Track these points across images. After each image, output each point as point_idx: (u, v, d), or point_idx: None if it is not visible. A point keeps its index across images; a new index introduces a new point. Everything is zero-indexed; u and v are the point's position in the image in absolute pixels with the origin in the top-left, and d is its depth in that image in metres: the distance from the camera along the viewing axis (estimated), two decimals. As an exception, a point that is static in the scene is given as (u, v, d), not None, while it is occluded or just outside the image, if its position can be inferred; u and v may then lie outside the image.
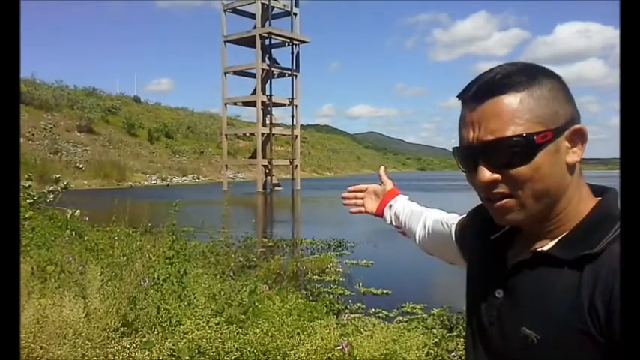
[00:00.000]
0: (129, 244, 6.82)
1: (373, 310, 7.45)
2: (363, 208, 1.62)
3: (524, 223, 0.91)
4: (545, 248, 0.88)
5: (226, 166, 45.47)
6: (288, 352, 3.74)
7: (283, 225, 21.22)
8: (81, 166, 45.33)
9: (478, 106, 0.87)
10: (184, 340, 3.71)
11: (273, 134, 42.64)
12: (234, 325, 4.12)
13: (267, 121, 41.68)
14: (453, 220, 1.26)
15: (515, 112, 0.84)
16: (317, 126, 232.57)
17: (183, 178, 54.73)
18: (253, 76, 42.46)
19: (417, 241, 1.42)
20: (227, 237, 10.49)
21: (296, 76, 43.21)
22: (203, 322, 3.99)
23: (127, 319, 4.02)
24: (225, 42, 43.12)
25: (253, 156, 43.54)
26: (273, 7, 42.32)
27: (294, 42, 42.99)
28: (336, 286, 9.09)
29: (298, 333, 4.12)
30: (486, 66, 0.91)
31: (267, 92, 41.71)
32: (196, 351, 3.62)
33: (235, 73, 44.53)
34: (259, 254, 11.06)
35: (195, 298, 4.62)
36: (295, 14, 43.56)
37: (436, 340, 4.75)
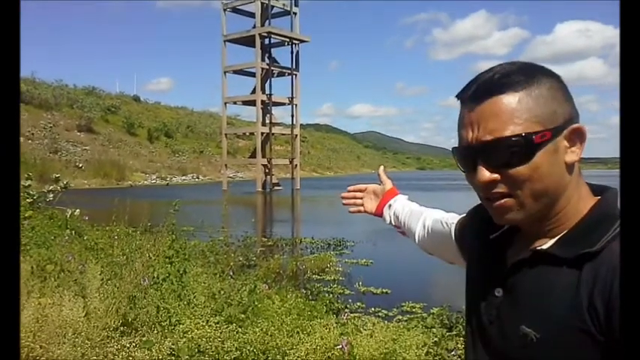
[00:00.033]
0: (128, 243, 6.82)
1: (373, 309, 7.45)
2: (362, 208, 1.62)
3: (523, 223, 0.91)
4: (544, 247, 0.88)
5: (226, 165, 45.46)
6: (287, 352, 3.74)
7: (283, 224, 21.22)
8: (80, 165, 45.32)
9: (477, 106, 0.87)
10: (184, 340, 3.71)
11: (273, 133, 42.63)
12: (234, 324, 4.13)
13: (267, 121, 41.67)
14: (452, 220, 1.26)
15: (514, 111, 0.84)
16: (317, 125, 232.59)
17: (183, 178, 54.72)
18: (253, 75, 42.45)
19: (417, 240, 1.42)
20: (227, 236, 10.48)
21: (296, 75, 43.20)
22: (203, 321, 3.99)
23: (127, 319, 4.02)
24: (224, 41, 43.09)
25: (253, 155, 43.54)
26: (272, 7, 42.32)
27: (294, 41, 42.98)
28: (335, 285, 9.09)
29: (298, 332, 4.12)
30: (486, 65, 0.91)
31: (267, 91, 41.70)
32: (196, 350, 3.62)
33: (235, 72, 44.52)
34: (259, 253, 11.06)
35: (194, 297, 4.62)
36: (295, 13, 43.55)
37: (436, 339, 4.75)
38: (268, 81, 41.83)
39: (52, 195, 9.68)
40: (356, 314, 6.32)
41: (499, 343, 0.91)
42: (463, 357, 1.10)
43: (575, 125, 0.86)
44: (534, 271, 0.88)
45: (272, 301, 5.06)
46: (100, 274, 4.53)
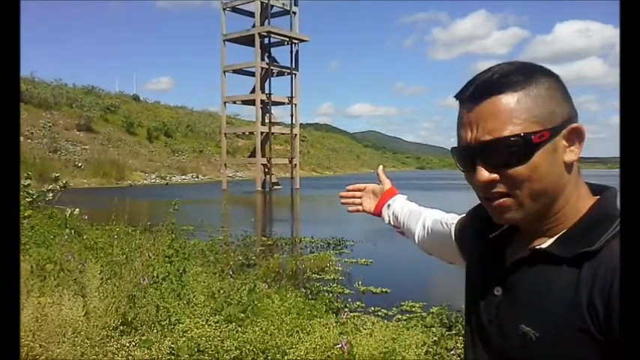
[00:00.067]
0: (128, 242, 6.82)
1: (372, 308, 7.46)
2: (360, 207, 1.62)
3: (522, 222, 0.91)
4: (543, 246, 0.88)
5: (225, 164, 45.44)
6: (287, 351, 3.74)
7: (282, 224, 21.22)
8: (80, 164, 45.29)
9: (475, 107, 0.87)
10: (183, 339, 3.71)
11: (273, 133, 42.62)
12: (234, 323, 4.13)
13: (267, 120, 41.66)
14: (452, 220, 1.26)
15: (513, 111, 0.84)
16: (316, 125, 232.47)
17: (183, 177, 54.70)
18: (252, 74, 42.44)
19: (417, 241, 1.42)
20: (226, 236, 10.48)
21: (295, 74, 43.19)
22: (202, 320, 3.99)
23: (127, 318, 4.02)
24: (224, 41, 43.07)
25: (252, 155, 43.53)
26: (272, 6, 42.30)
27: (294, 41, 42.97)
28: (335, 284, 9.10)
29: (297, 331, 4.12)
30: (486, 65, 0.91)
31: (267, 91, 41.69)
32: (195, 350, 3.62)
33: (234, 71, 44.50)
34: (258, 253, 11.06)
35: (194, 296, 4.62)
36: (295, 13, 43.54)
37: (435, 338, 4.75)
38: (268, 80, 41.82)
39: (51, 194, 9.68)
40: (355, 313, 6.33)
41: (498, 342, 0.91)
42: (462, 356, 1.10)
43: (573, 125, 0.87)
44: (533, 270, 0.88)
45: (272, 301, 5.06)
46: (100, 274, 4.54)
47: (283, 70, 43.39)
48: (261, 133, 41.39)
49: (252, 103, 42.58)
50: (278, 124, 44.57)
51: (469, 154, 0.89)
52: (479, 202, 0.96)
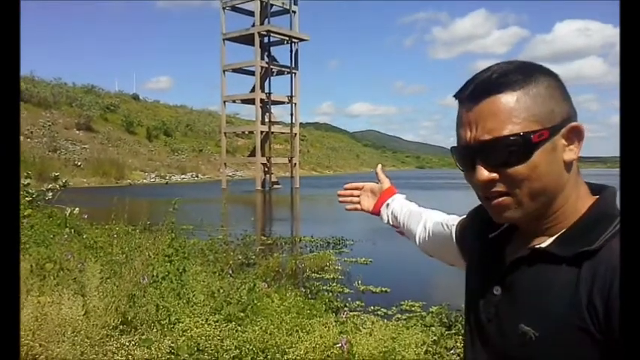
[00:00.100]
0: (128, 242, 6.83)
1: (372, 307, 7.47)
2: (358, 206, 1.61)
3: (521, 221, 0.91)
4: (543, 245, 0.89)
5: (225, 164, 45.43)
6: (287, 350, 3.74)
7: (282, 223, 21.22)
8: (79, 163, 45.25)
9: (475, 106, 0.87)
10: (183, 338, 3.71)
11: (272, 132, 42.61)
12: (233, 322, 4.13)
13: (266, 119, 41.65)
14: (452, 222, 1.26)
15: (512, 111, 0.84)
16: (316, 124, 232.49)
17: (182, 176, 54.70)
18: (252, 73, 42.42)
19: (418, 243, 1.42)
20: (226, 235, 10.49)
21: (295, 73, 43.18)
22: (202, 319, 3.99)
23: (126, 317, 4.02)
24: (224, 40, 43.04)
25: (252, 154, 43.52)
26: (272, 5, 42.29)
27: (293, 40, 42.95)
28: (335, 284, 9.10)
29: (297, 331, 4.13)
30: (485, 64, 0.91)
31: (266, 90, 41.68)
32: (195, 349, 3.62)
33: (234, 70, 44.47)
34: (258, 252, 11.07)
35: (194, 296, 4.63)
36: (294, 12, 43.52)
37: (435, 337, 4.76)
38: (267, 79, 41.81)
39: (51, 193, 9.66)
40: (355, 313, 6.33)
41: (498, 341, 0.91)
42: (462, 355, 1.10)
43: (573, 124, 0.87)
44: (533, 270, 0.88)
45: (271, 300, 5.07)
46: (100, 273, 4.54)
47: (283, 69, 43.38)
48: (261, 132, 41.38)
49: (251, 102, 42.56)
50: (278, 123, 44.56)
51: (469, 154, 0.89)
52: (479, 201, 0.96)
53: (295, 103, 43.27)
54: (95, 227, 9.46)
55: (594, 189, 0.92)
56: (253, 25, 41.59)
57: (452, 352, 4.48)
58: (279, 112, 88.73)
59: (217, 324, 3.98)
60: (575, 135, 0.87)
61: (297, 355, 3.68)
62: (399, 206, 1.51)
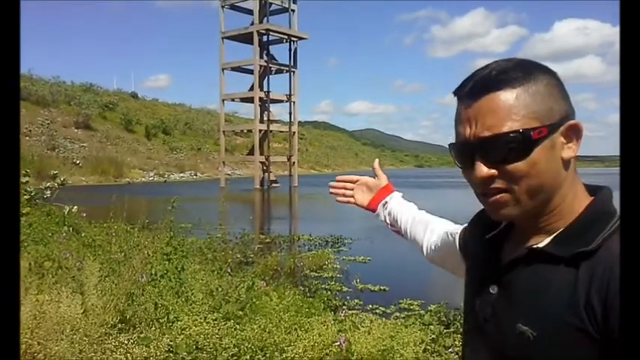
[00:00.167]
0: (126, 240, 6.82)
1: (370, 306, 7.47)
2: (352, 199, 1.57)
3: (518, 219, 0.91)
4: (540, 245, 0.88)
5: (224, 162, 45.42)
6: (285, 348, 3.75)
7: (281, 221, 21.23)
8: (78, 162, 45.24)
9: (474, 103, 0.87)
10: (182, 336, 3.72)
11: (271, 131, 42.60)
12: (232, 321, 4.13)
13: (265, 118, 41.63)
14: (457, 231, 1.25)
15: (512, 108, 0.84)
16: (315, 122, 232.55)
17: (181, 175, 54.68)
18: (251, 72, 42.41)
19: (425, 253, 1.39)
20: (224, 233, 10.49)
21: (294, 72, 43.16)
22: (201, 318, 3.99)
23: (125, 316, 4.02)
24: (222, 38, 43.01)
25: (251, 152, 43.51)
26: (270, 4, 42.26)
27: (292, 38, 42.93)
28: (333, 282, 9.10)
29: (296, 329, 4.13)
30: (484, 62, 0.91)
31: (265, 89, 41.67)
32: (194, 347, 3.63)
33: (233, 69, 44.46)
34: (257, 251, 11.07)
35: (192, 294, 4.63)
36: (293, 10, 43.51)
37: (433, 336, 4.77)
38: (266, 78, 41.80)
39: (49, 192, 9.65)
40: (354, 311, 6.33)
41: (495, 340, 0.91)
42: (461, 354, 1.10)
43: (571, 122, 0.87)
44: (530, 269, 0.88)
45: (270, 298, 5.07)
46: (98, 271, 4.54)
47: (282, 67, 43.37)
48: (260, 130, 41.37)
49: (250, 100, 42.54)
50: (276, 121, 44.55)
51: (468, 150, 0.89)
52: (477, 199, 0.96)
53: (294, 102, 43.26)
54: (94, 225, 9.46)
55: (590, 189, 0.92)
56: (252, 24, 41.56)
57: (450, 350, 4.49)
58: (277, 111, 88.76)
59: (216, 322, 3.99)
60: (574, 133, 0.87)
61: (296, 354, 3.68)
62: (398, 207, 1.49)
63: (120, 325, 3.91)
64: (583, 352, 0.79)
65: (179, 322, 3.93)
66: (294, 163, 43.70)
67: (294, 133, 43.87)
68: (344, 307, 6.67)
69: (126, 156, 51.67)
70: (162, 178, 50.20)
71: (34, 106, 49.21)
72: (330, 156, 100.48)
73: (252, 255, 10.43)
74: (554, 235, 0.89)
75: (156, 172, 52.25)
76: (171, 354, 3.52)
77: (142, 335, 3.73)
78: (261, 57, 41.31)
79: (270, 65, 41.99)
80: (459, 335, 4.79)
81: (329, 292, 7.88)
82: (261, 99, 41.25)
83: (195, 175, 56.52)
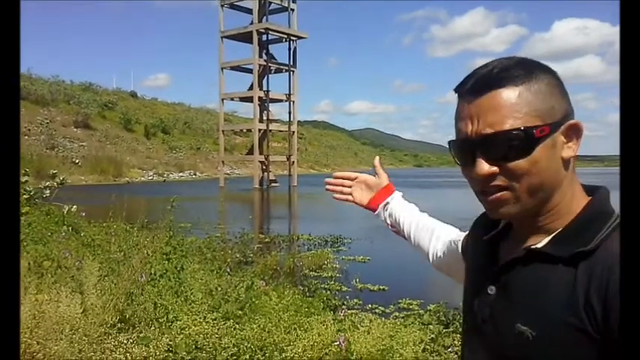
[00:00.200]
0: (126, 239, 6.83)
1: (370, 306, 7.47)
2: (350, 197, 1.53)
3: (517, 217, 0.91)
4: (539, 246, 0.88)
5: (223, 162, 45.41)
6: (285, 348, 3.75)
7: (280, 221, 21.22)
8: (77, 161, 45.22)
9: (476, 100, 0.87)
10: (181, 336, 3.72)
11: (270, 130, 42.60)
12: (231, 320, 4.13)
13: (264, 117, 41.63)
14: (460, 238, 1.25)
15: (514, 105, 0.84)
16: (314, 122, 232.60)
17: (180, 174, 54.68)
18: (250, 71, 42.41)
19: (431, 261, 1.37)
20: (224, 233, 10.49)
21: (293, 71, 43.16)
22: (200, 317, 3.99)
23: (124, 315, 4.02)
24: (222, 37, 42.99)
25: (250, 152, 43.51)
26: (270, 3, 42.26)
27: (292, 38, 42.92)
28: (332, 282, 9.10)
29: (295, 329, 4.13)
30: (484, 62, 0.91)
31: (265, 88, 41.67)
32: (193, 347, 3.63)
33: (232, 68, 44.45)
34: (256, 250, 11.07)
35: (192, 294, 4.63)
36: (292, 10, 43.50)
37: (432, 336, 4.77)
38: (266, 77, 41.80)
39: (48, 191, 9.65)
40: (353, 311, 6.33)
41: (494, 340, 0.91)
42: (460, 354, 1.10)
43: (572, 121, 0.87)
44: (528, 269, 0.88)
45: (269, 298, 5.07)
46: (98, 271, 4.54)
47: (281, 67, 43.37)
48: (259, 130, 41.36)
49: (250, 100, 42.55)
50: (276, 121, 44.55)
51: (469, 147, 0.88)
52: (476, 200, 0.96)
53: (293, 101, 43.26)
54: (93, 225, 9.46)
55: (587, 189, 0.92)
56: (252, 23, 41.56)
57: (449, 350, 4.49)
58: (277, 110, 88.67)
59: (215, 322, 3.98)
60: (574, 132, 0.87)
61: (295, 353, 3.68)
62: (399, 209, 1.46)
63: (119, 324, 3.91)
64: (582, 352, 0.79)
65: (178, 322, 3.93)
66: (293, 162, 43.70)
67: (294, 132, 43.86)
68: (343, 306, 6.67)
69: (125, 155, 51.66)
70: (162, 178, 50.19)
71: (33, 105, 49.17)
72: (330, 155, 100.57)
73: (251, 254, 10.43)
74: (553, 235, 0.89)
75: (155, 171, 52.24)
76: (170, 353, 3.52)
77: (141, 335, 3.73)
78: (260, 56, 41.30)
79: (270, 64, 41.98)
80: (458, 335, 4.79)
81: (328, 292, 7.88)
82: (260, 98, 41.24)
83: (195, 174, 56.51)
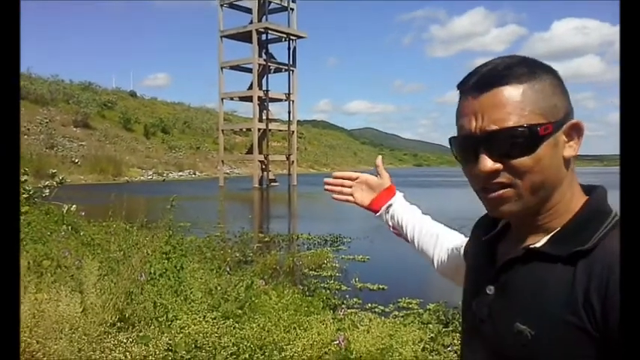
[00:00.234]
0: (125, 239, 6.83)
1: (369, 305, 7.46)
2: (351, 198, 1.49)
3: (518, 216, 0.91)
4: (537, 245, 0.88)
5: (222, 161, 45.41)
6: (284, 347, 3.75)
7: (280, 220, 21.22)
8: (77, 160, 45.21)
9: (481, 96, 0.86)
10: (181, 335, 3.72)
11: (270, 129, 42.60)
12: (231, 320, 4.13)
13: (264, 117, 41.63)
14: (463, 243, 1.24)
15: (519, 103, 0.84)
16: (314, 121, 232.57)
17: (180, 174, 54.68)
18: (250, 71, 42.40)
19: (435, 267, 1.37)
20: (223, 232, 10.48)
21: (293, 71, 43.15)
22: (200, 317, 3.99)
23: (124, 314, 4.02)
24: (221, 37, 42.97)
25: (250, 151, 43.51)
26: (269, 2, 42.25)
27: (291, 37, 42.91)
28: (332, 281, 9.09)
29: (295, 328, 4.13)
30: (483, 61, 0.91)
31: (264, 87, 41.67)
32: (193, 346, 3.63)
33: (232, 68, 44.43)
34: (256, 249, 11.07)
35: (191, 293, 4.63)
36: (292, 9, 43.49)
37: (432, 335, 4.77)
38: (265, 77, 41.79)
39: (48, 190, 9.66)
40: (352, 310, 6.33)
41: (494, 340, 0.91)
42: (459, 353, 1.10)
43: (574, 121, 0.87)
44: (527, 269, 0.88)
45: (269, 297, 5.07)
46: (97, 270, 4.54)
47: (281, 66, 43.36)
48: (259, 129, 41.35)
49: (249, 99, 42.54)
50: (275, 120, 44.55)
51: (472, 144, 0.88)
52: (476, 200, 0.96)
53: (293, 101, 43.25)
54: (92, 224, 9.46)
55: (585, 189, 0.93)
56: (251, 23, 41.54)
57: (449, 349, 4.50)
58: (276, 110, 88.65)
59: (215, 321, 3.99)
60: (575, 132, 0.88)
61: (295, 352, 3.68)
62: (402, 212, 1.45)
63: (119, 323, 3.91)
64: (581, 351, 0.79)
65: (178, 321, 3.93)
66: (293, 162, 43.70)
67: (293, 132, 43.86)
68: (343, 305, 6.67)
69: (124, 155, 51.66)
70: (161, 177, 50.19)
71: (32, 104, 49.15)
72: (329, 155, 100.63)
73: (251, 254, 10.43)
74: (551, 234, 0.89)
75: (154, 170, 52.23)
76: (170, 353, 3.52)
77: (140, 334, 3.73)
78: (260, 56, 41.29)
79: (269, 64, 41.98)
80: (457, 334, 4.79)
81: (328, 291, 7.88)
82: (260, 98, 41.24)
83: (194, 173, 56.52)
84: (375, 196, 1.48)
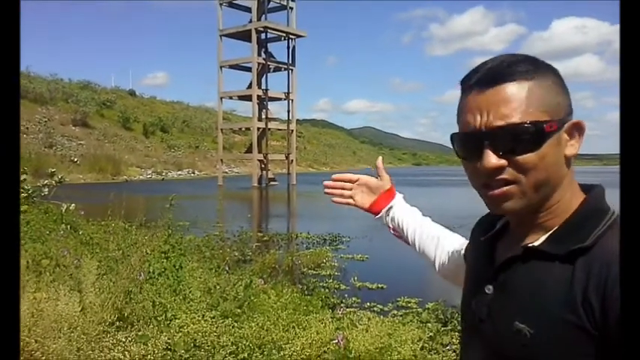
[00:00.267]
0: (124, 238, 6.82)
1: (368, 304, 7.46)
2: (351, 200, 1.48)
3: (519, 214, 0.91)
4: (536, 244, 0.89)
5: (222, 160, 45.39)
6: (283, 346, 3.75)
7: (279, 219, 21.23)
8: (76, 159, 45.17)
9: (486, 92, 0.86)
10: (180, 334, 3.72)
11: (269, 129, 42.58)
12: (230, 319, 4.13)
13: (263, 116, 41.61)
14: (464, 245, 1.24)
15: (525, 99, 0.84)
16: (313, 120, 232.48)
17: (179, 173, 54.65)
18: (249, 70, 42.36)
19: (437, 269, 1.37)
20: (222, 231, 10.48)
21: (292, 70, 43.13)
22: (198, 316, 3.99)
23: (123, 313, 4.02)
24: (220, 36, 42.93)
25: (249, 150, 43.48)
26: (269, 1, 42.21)
27: (291, 36, 42.89)
28: (331, 280, 9.10)
29: (294, 327, 4.13)
30: (482, 60, 0.91)
31: (263, 86, 41.63)
32: (192, 345, 3.63)
33: (231, 67, 44.39)
34: (254, 249, 11.07)
35: (190, 292, 4.63)
36: (291, 8, 43.45)
37: (431, 334, 4.78)
38: (264, 76, 41.76)
39: (47, 189, 9.66)
40: (351, 309, 6.32)
41: (493, 339, 0.91)
42: (458, 352, 1.10)
43: (575, 120, 0.88)
44: (526, 268, 0.88)
45: (268, 296, 5.07)
46: (96, 269, 4.54)
47: (280, 65, 43.33)
48: (258, 128, 41.33)
49: (248, 98, 42.50)
50: (275, 119, 44.53)
51: (476, 140, 0.87)
52: (476, 199, 0.96)
53: (292, 100, 43.24)
54: (91, 223, 9.46)
55: (583, 188, 0.93)
56: (250, 22, 41.51)
57: (448, 347, 4.50)
58: (276, 109, 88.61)
59: (214, 320, 3.99)
60: (577, 131, 0.88)
61: (294, 351, 3.69)
62: (402, 214, 1.44)
63: (118, 322, 3.91)
64: (580, 349, 0.79)
65: (177, 320, 3.93)
66: (292, 161, 43.69)
67: (293, 131, 43.86)
68: (342, 304, 6.67)
69: (123, 154, 51.62)
70: (160, 176, 50.14)
71: (31, 103, 49.11)
72: (329, 154, 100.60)
73: (250, 253, 10.43)
74: (550, 233, 0.89)
75: (153, 169, 52.20)
76: (169, 352, 3.52)
77: (139, 333, 3.73)
78: (259, 55, 41.27)
79: (269, 63, 41.95)
80: (456, 333, 4.80)
81: (327, 290, 7.88)
82: (259, 97, 41.21)
83: (193, 172, 56.49)
84: (376, 198, 1.47)
